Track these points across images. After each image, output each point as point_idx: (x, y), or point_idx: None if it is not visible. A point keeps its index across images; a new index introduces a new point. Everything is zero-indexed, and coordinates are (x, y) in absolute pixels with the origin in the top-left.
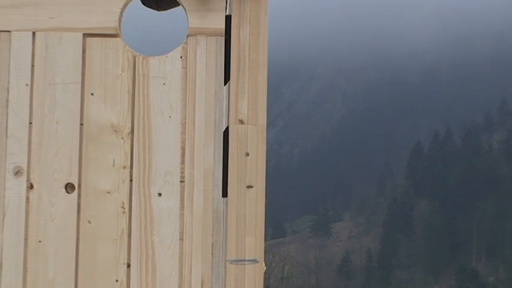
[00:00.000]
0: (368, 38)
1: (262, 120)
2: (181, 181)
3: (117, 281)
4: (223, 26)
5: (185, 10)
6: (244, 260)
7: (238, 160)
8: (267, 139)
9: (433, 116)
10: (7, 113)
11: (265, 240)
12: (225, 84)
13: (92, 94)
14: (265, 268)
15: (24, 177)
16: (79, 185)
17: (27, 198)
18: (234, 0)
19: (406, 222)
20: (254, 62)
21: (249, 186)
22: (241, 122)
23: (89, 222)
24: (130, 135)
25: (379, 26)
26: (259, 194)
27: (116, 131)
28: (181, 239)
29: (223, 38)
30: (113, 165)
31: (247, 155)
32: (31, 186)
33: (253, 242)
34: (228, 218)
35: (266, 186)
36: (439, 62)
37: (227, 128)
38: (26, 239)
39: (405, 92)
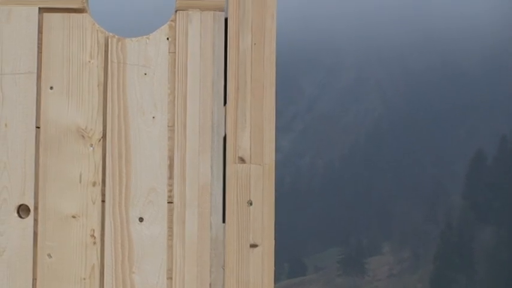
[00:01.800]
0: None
1: (270, 157)
2: (168, 202)
3: None
4: None
5: None
6: None
7: (238, 211)
8: (281, 148)
9: (499, 117)
10: None
11: (280, 279)
12: (224, 104)
13: (51, 88)
14: None
15: None
16: (35, 208)
17: None
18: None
19: (465, 257)
20: (258, 81)
21: (253, 245)
22: (242, 160)
23: (49, 256)
24: (101, 142)
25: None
26: (266, 255)
27: (82, 136)
28: (169, 278)
29: (223, 13)
30: (80, 181)
31: (251, 204)
32: None
33: None
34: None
35: (279, 209)
36: (505, 45)
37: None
38: None
39: (461, 86)
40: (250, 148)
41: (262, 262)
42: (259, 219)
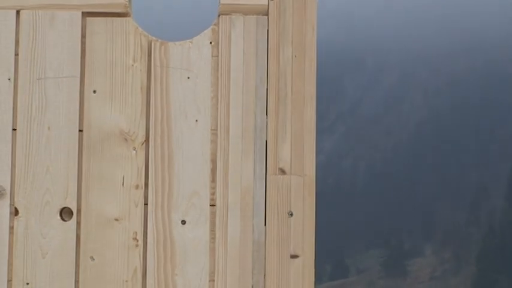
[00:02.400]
0: (455, 15)
1: (311, 168)
2: (211, 205)
3: None
4: (266, 2)
5: None
6: None
7: (279, 222)
8: (323, 149)
9: None
10: None
11: (321, 282)
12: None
13: (94, 92)
14: None
15: (6, 201)
16: (78, 210)
17: (11, 227)
18: (271, 12)
19: (507, 259)
20: (299, 93)
21: (294, 256)
22: (283, 171)
23: (92, 258)
24: (144, 146)
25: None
26: (307, 267)
27: (125, 139)
28: (212, 280)
29: (266, 17)
30: (122, 185)
31: (291, 215)
32: (16, 212)
33: None
34: None
35: (321, 212)
36: None
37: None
38: (9, 281)
39: (506, 87)
40: (291, 159)
41: (302, 273)
42: (300, 230)
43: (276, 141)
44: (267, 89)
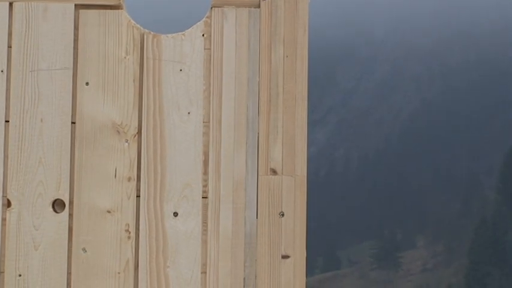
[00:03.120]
0: (447, 7)
1: (302, 169)
2: (203, 197)
3: None
4: None
5: None
6: None
7: (270, 222)
8: (316, 140)
9: None
10: None
11: (313, 273)
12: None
13: (87, 84)
14: None
15: None
16: (70, 202)
17: (3, 219)
18: (263, 12)
19: (499, 251)
20: (290, 93)
21: (285, 256)
22: (274, 171)
23: (84, 250)
24: (136, 138)
25: None
26: (298, 267)
27: (118, 131)
28: (204, 272)
29: (258, 9)
30: (115, 176)
31: (282, 215)
32: (8, 204)
33: None
34: None
35: (312, 204)
36: None
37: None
38: (1, 273)
39: (498, 80)
40: (282, 160)
41: (293, 273)
42: (291, 231)
43: (267, 142)
44: (258, 82)
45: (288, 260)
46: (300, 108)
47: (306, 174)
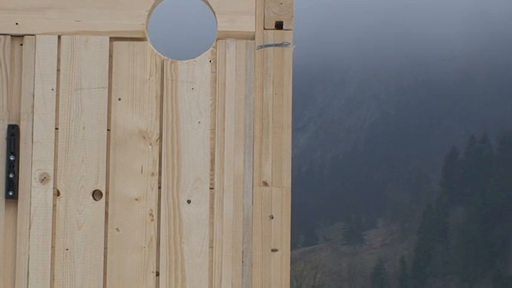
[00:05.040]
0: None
1: (287, 181)
2: (210, 188)
3: None
4: (253, 29)
5: (214, 13)
6: None
7: (262, 223)
8: (298, 144)
9: (469, 120)
10: (33, 119)
11: (297, 247)
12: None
13: (119, 99)
14: None
15: (50, 184)
16: (106, 192)
17: (54, 205)
18: (257, 59)
19: (441, 230)
20: (278, 122)
21: (274, 250)
22: (266, 184)
23: (117, 229)
24: (158, 142)
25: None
26: (284, 258)
27: (143, 137)
28: (211, 247)
29: (254, 41)
30: (141, 172)
31: (272, 218)
32: (58, 193)
33: None
34: (252, 282)
35: (295, 191)
36: (474, 66)
37: None
38: (53, 247)
39: (440, 96)
40: (272, 174)
41: (281, 263)
42: (279, 230)
43: (260, 160)
44: (254, 98)
45: (276, 253)
46: (286, 134)
47: (290, 186)
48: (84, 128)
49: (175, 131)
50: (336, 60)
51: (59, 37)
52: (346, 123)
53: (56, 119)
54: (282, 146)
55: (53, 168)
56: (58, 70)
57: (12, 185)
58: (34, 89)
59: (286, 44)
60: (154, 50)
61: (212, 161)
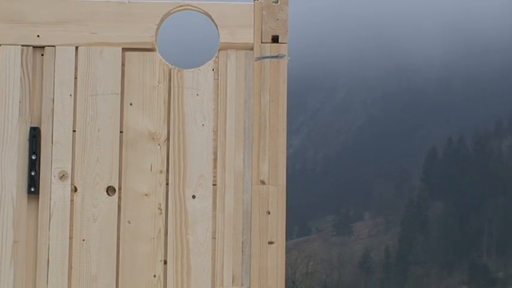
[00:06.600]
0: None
1: (282, 180)
2: (213, 184)
3: (154, 276)
4: (252, 41)
5: (216, 27)
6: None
7: (260, 218)
8: (293, 144)
9: (447, 123)
10: (53, 122)
11: (291, 238)
12: None
13: (131, 104)
14: None
15: (68, 181)
16: (119, 188)
17: (72, 200)
18: (256, 69)
19: (422, 222)
20: (274, 127)
21: (271, 242)
22: (263, 182)
23: (129, 222)
24: (166, 142)
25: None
26: (279, 250)
27: (153, 138)
28: (213, 238)
29: (252, 51)
30: (151, 170)
31: (269, 213)
32: (75, 189)
33: None
34: (251, 271)
35: (290, 187)
36: (453, 74)
37: None
38: (70, 238)
39: (422, 101)
40: (269, 174)
41: (277, 254)
42: (275, 224)
43: (258, 161)
44: (252, 103)
45: (273, 245)
46: (281, 138)
47: (285, 184)
48: (99, 130)
49: (181, 132)
50: (326, 69)
51: (77, 48)
52: (336, 125)
53: (73, 122)
54: (278, 148)
55: (70, 166)
56: (75, 78)
57: (33, 182)
58: (54, 94)
59: (282, 56)
60: (163, 59)
61: (215, 160)
